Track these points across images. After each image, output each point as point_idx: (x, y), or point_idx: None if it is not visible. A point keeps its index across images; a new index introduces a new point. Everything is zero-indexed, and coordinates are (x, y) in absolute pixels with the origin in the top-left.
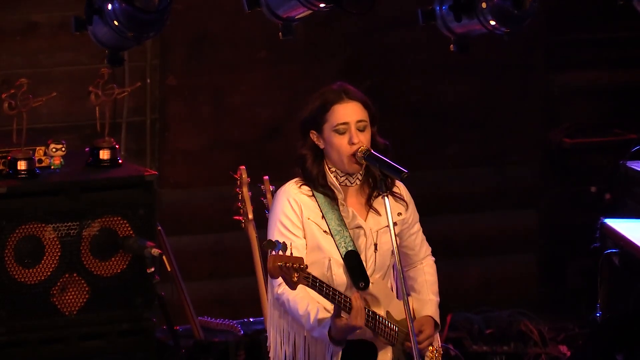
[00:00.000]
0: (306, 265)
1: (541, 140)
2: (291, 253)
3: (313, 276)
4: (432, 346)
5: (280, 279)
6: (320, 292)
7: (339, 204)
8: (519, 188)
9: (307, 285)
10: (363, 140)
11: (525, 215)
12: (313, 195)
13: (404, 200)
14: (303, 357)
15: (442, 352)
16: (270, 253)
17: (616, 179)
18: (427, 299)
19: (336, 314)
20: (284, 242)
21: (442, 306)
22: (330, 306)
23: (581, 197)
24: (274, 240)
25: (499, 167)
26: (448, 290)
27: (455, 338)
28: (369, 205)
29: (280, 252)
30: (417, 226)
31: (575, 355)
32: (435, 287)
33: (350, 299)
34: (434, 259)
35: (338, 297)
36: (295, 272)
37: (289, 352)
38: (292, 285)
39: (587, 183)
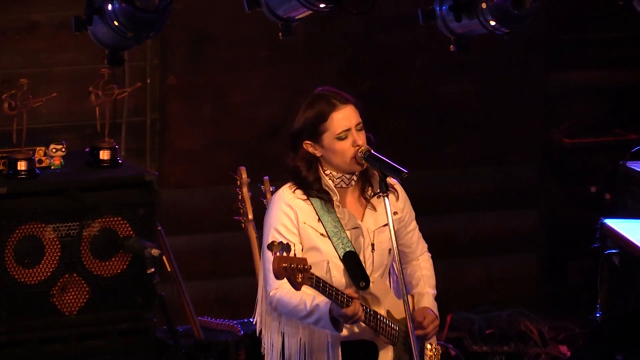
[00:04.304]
0: (310, 265)
1: (541, 140)
2: (294, 254)
3: (317, 277)
4: (431, 344)
5: (275, 283)
6: (323, 292)
7: (335, 205)
8: (519, 188)
9: (311, 286)
10: (364, 139)
11: (525, 215)
12: (308, 198)
13: (398, 198)
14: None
15: (441, 350)
16: (275, 254)
17: (616, 179)
18: (424, 292)
19: (337, 312)
20: (287, 243)
21: (442, 306)
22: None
23: (581, 197)
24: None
25: (499, 167)
26: (448, 290)
27: (455, 338)
28: (365, 200)
29: (285, 254)
30: (414, 224)
31: (575, 355)
32: (432, 281)
33: (352, 299)
34: (430, 254)
35: (341, 297)
36: (300, 273)
37: (286, 354)
38: (297, 286)
39: (587, 183)
